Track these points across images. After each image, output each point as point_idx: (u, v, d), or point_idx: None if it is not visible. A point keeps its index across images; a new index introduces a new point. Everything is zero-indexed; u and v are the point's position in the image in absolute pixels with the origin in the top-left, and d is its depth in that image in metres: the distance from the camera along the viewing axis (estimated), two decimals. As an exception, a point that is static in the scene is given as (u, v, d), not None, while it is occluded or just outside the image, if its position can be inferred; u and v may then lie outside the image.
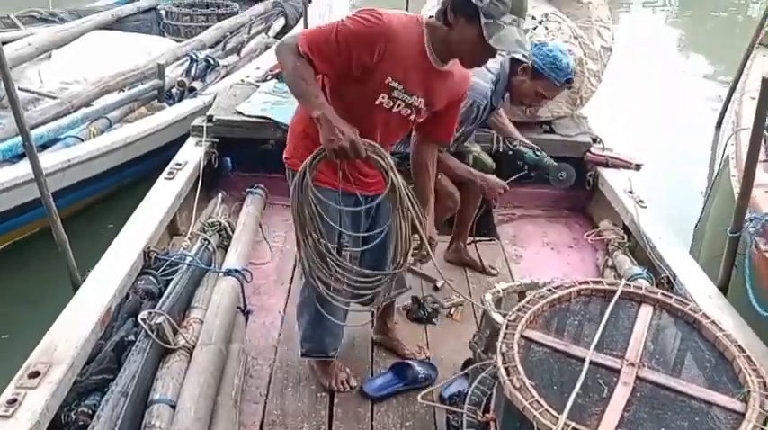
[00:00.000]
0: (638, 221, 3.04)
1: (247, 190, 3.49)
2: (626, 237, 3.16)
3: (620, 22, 12.11)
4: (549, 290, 1.55)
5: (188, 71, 4.43)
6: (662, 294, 1.52)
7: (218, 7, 6.30)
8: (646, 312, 1.49)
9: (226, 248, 2.90)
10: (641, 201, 3.21)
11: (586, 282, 1.57)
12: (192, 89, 4.32)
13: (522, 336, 1.42)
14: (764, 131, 3.27)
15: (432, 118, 2.02)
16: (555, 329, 1.48)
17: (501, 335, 1.40)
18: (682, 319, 1.49)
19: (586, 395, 1.29)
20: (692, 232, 4.21)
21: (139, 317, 2.13)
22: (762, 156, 3.13)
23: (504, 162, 3.16)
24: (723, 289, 2.71)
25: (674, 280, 2.65)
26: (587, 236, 3.37)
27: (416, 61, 1.83)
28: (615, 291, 1.55)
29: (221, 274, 2.61)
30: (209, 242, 2.81)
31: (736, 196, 2.96)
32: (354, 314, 2.67)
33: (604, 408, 1.25)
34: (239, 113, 3.63)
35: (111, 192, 4.06)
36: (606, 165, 3.59)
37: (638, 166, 3.60)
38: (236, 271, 2.63)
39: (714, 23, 12.10)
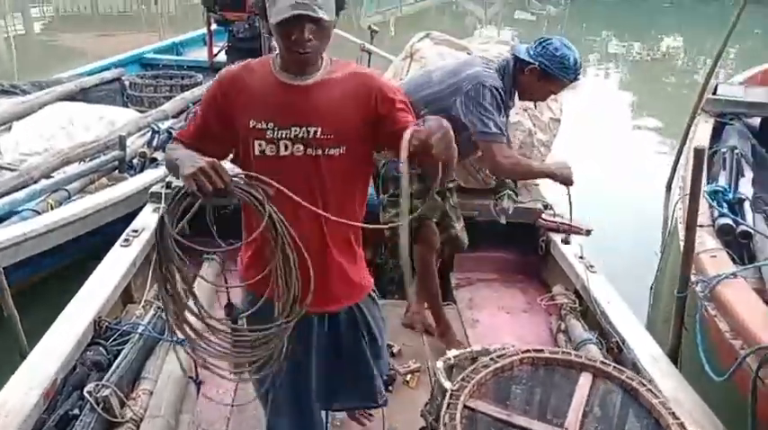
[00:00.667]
0: (588, 286, 3.13)
1: (204, 256, 3.49)
2: (577, 301, 3.25)
3: (573, 87, 12.66)
4: (493, 359, 1.59)
5: (150, 142, 4.48)
6: (601, 362, 1.58)
7: (182, 78, 6.42)
8: (585, 380, 1.54)
9: (180, 315, 2.87)
10: (591, 266, 3.31)
11: (528, 351, 1.62)
12: (153, 160, 4.35)
13: (465, 406, 1.46)
14: (707, 197, 3.48)
15: (388, 128, 1.66)
16: (498, 398, 1.52)
17: (444, 405, 1.43)
18: (620, 387, 1.54)
19: (527, 465, 1.32)
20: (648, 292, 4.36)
21: (85, 389, 2.10)
22: (707, 220, 3.31)
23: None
24: (674, 349, 2.80)
25: (623, 344, 2.72)
26: (541, 300, 3.44)
27: (272, 90, 1.65)
28: (556, 360, 1.59)
29: (173, 343, 2.58)
30: (162, 310, 2.79)
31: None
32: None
33: (543, 479, 1.28)
34: (196, 180, 3.66)
35: (70, 264, 4.02)
36: (558, 231, 3.70)
37: (588, 232, 3.72)
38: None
39: (664, 87, 12.71)
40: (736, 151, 4.27)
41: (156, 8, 8.70)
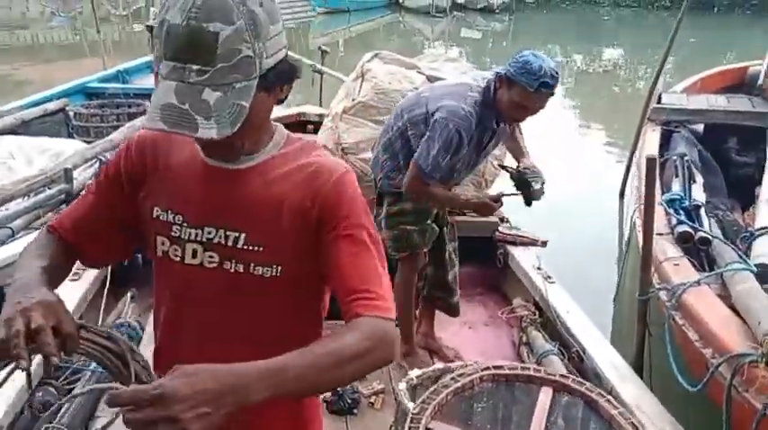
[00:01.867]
0: (547, 297, 3.16)
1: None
2: (537, 313, 3.27)
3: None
4: (453, 378, 1.58)
5: (97, 174, 4.36)
6: (560, 375, 1.58)
7: (129, 106, 6.28)
8: (546, 395, 1.54)
9: (135, 349, 2.79)
10: (549, 277, 3.35)
11: (488, 368, 1.61)
12: (100, 192, 4.23)
13: (427, 429, 1.43)
14: (664, 205, 3.56)
15: (322, 260, 1.14)
16: (461, 418, 1.50)
17: (406, 428, 1.41)
18: (581, 399, 1.54)
19: (491, 485, 1.30)
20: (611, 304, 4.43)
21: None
22: (665, 228, 3.39)
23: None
24: (639, 356, 2.83)
25: (584, 353, 2.74)
26: (501, 313, 3.46)
27: (193, 172, 1.16)
28: (517, 375, 1.59)
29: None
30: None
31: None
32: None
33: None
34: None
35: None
36: (515, 244, 3.75)
37: (543, 243, 3.78)
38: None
39: (608, 96, 13.07)
40: (686, 158, 4.39)
41: (99, 36, 8.47)
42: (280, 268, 1.14)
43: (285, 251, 1.13)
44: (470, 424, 1.48)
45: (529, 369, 1.61)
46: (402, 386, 2.07)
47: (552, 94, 2.46)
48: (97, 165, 4.46)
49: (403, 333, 3.17)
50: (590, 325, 2.95)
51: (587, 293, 4.34)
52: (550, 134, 9.25)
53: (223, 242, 1.14)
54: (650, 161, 2.44)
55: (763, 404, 1.92)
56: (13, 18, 21.08)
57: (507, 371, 1.59)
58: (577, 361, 2.77)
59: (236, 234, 1.13)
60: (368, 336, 1.00)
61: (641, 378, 2.72)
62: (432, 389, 1.54)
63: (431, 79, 3.84)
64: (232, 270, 1.14)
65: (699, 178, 4.16)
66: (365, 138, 3.65)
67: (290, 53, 1.20)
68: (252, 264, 1.14)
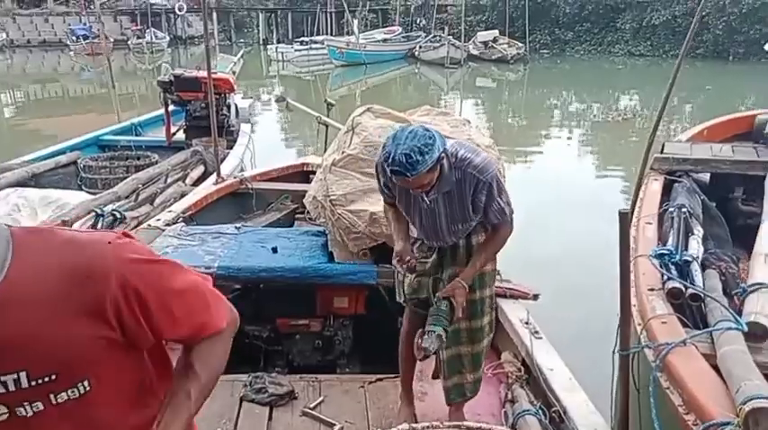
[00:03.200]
0: (532, 353, 3.08)
1: None
2: (522, 369, 3.18)
3: (540, 146, 12.97)
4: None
5: (94, 226, 4.43)
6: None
7: (138, 158, 6.45)
8: (488, 462, 1.48)
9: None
10: (536, 333, 3.26)
11: (435, 433, 1.56)
12: (97, 243, 4.28)
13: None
14: (656, 259, 3.48)
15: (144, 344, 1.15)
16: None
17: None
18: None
19: None
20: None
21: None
22: (658, 284, 3.31)
23: None
24: (624, 412, 2.72)
25: (564, 414, 2.65)
26: (488, 369, 3.37)
27: None
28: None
29: None
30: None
31: (635, 320, 3.08)
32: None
33: None
34: (139, 260, 3.60)
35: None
36: (505, 296, 3.67)
37: (535, 296, 3.70)
38: None
39: (624, 145, 13.01)
40: (684, 209, 4.31)
41: (114, 91, 8.77)
42: (88, 380, 1.04)
43: (83, 360, 1.02)
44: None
45: (473, 435, 1.55)
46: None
47: (409, 179, 2.31)
48: (94, 217, 4.51)
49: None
50: (574, 384, 2.85)
51: (591, 346, 4.25)
52: (564, 181, 9.25)
53: (2, 390, 0.97)
54: (622, 215, 2.39)
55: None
56: (45, 73, 21.94)
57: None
58: (558, 421, 2.68)
59: (13, 376, 0.97)
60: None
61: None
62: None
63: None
64: (29, 414, 1.00)
65: (698, 229, 4.08)
66: (353, 189, 3.66)
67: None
68: (53, 395, 1.01)
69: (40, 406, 1.00)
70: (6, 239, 0.96)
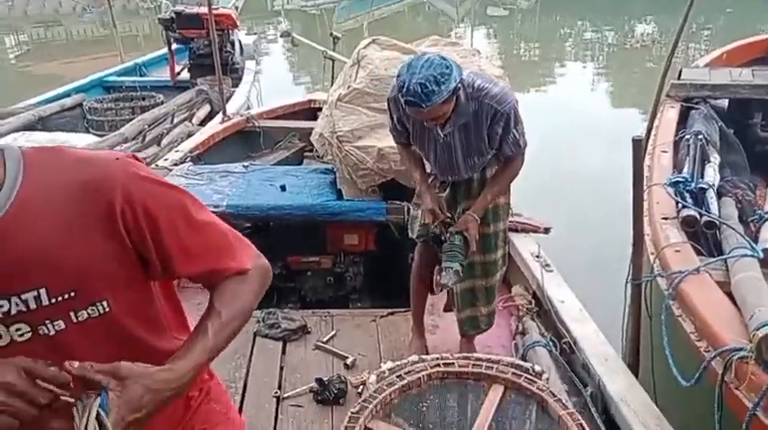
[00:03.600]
0: (543, 286, 3.08)
1: None
2: (533, 302, 3.19)
3: (554, 76, 12.69)
4: (399, 376, 1.53)
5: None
6: (512, 373, 1.51)
7: (143, 99, 6.37)
8: (495, 394, 1.48)
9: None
10: (547, 265, 3.26)
11: (437, 364, 1.56)
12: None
13: (366, 428, 1.39)
14: (671, 187, 3.42)
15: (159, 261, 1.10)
16: (405, 417, 1.45)
17: (342, 428, 1.37)
18: (530, 398, 1.48)
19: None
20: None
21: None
22: (672, 212, 3.26)
23: None
24: (635, 342, 2.73)
25: (575, 345, 2.66)
26: (499, 302, 3.38)
27: None
28: (467, 373, 1.53)
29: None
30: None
31: (648, 250, 3.04)
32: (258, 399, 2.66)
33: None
34: (147, 201, 3.59)
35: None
36: (516, 230, 3.65)
37: (546, 230, 3.68)
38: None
39: (640, 73, 12.67)
40: (701, 136, 4.20)
41: (115, 31, 8.59)
42: (107, 301, 1.04)
43: (102, 280, 1.03)
44: (413, 423, 1.43)
45: (481, 366, 1.55)
46: (372, 379, 2.03)
47: (424, 110, 2.24)
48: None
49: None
50: (585, 315, 2.86)
51: (604, 276, 4.24)
52: (578, 111, 9.06)
53: (23, 310, 0.98)
54: (636, 142, 2.33)
55: (752, 403, 1.81)
56: (47, 14, 21.54)
57: (457, 369, 1.54)
58: (568, 352, 2.69)
59: (33, 293, 0.98)
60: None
61: (637, 366, 2.64)
62: (376, 387, 1.50)
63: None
64: (52, 333, 1.01)
65: (715, 157, 3.99)
66: (360, 125, 3.59)
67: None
68: (74, 313, 1.02)
69: (62, 324, 1.02)
70: (17, 159, 0.98)
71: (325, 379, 2.75)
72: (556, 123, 7.90)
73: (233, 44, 7.44)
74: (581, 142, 7.62)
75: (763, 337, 1.83)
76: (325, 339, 3.15)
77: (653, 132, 5.16)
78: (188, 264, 1.11)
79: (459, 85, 2.29)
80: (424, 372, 1.52)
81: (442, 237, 2.63)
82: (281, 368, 2.95)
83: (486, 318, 2.87)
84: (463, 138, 2.49)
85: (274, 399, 2.70)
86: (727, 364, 2.01)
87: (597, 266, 4.83)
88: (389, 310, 3.41)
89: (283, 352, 3.07)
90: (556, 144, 7.03)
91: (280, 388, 2.79)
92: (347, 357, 3.00)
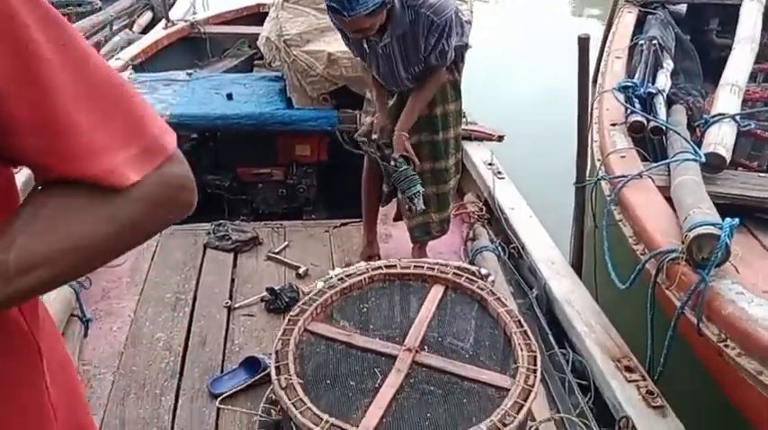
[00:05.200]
0: (494, 193, 3.08)
1: None
2: (484, 209, 3.20)
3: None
4: (341, 279, 1.51)
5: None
6: (453, 274, 1.51)
7: (79, 5, 5.95)
8: (435, 293, 1.48)
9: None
10: (499, 173, 3.26)
11: (380, 267, 1.55)
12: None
13: (306, 330, 1.38)
14: (620, 92, 3.39)
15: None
16: (346, 319, 1.45)
17: (280, 331, 1.36)
18: (471, 297, 1.49)
19: (359, 387, 1.27)
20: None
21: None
22: (621, 118, 3.24)
23: None
24: (578, 247, 2.78)
25: (523, 249, 2.70)
26: (451, 210, 3.39)
27: None
28: (409, 274, 1.52)
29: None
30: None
31: (595, 156, 3.05)
32: (208, 310, 2.65)
33: (373, 400, 1.23)
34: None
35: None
36: (470, 139, 3.62)
37: (500, 137, 3.66)
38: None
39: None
40: (655, 41, 4.15)
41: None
42: None
43: None
44: (359, 323, 1.43)
45: (422, 267, 1.54)
46: (320, 285, 2.02)
47: (346, 19, 2.17)
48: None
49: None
50: (534, 221, 2.89)
51: (553, 187, 4.28)
52: (533, 18, 8.85)
53: None
54: (582, 41, 2.28)
55: (681, 302, 1.86)
56: None
57: (399, 270, 1.53)
58: (516, 257, 2.74)
59: None
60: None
61: (581, 269, 2.70)
62: (316, 290, 1.48)
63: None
64: None
65: (668, 63, 3.96)
66: (309, 28, 3.44)
67: None
68: None
69: None
70: None
71: (276, 288, 2.74)
72: (512, 35, 7.75)
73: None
74: (538, 53, 7.51)
75: (695, 238, 1.85)
76: (276, 250, 3.13)
77: (609, 38, 5.09)
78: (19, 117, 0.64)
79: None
80: (365, 274, 1.51)
81: (389, 163, 2.58)
82: (233, 280, 2.93)
83: (438, 225, 2.86)
84: (402, 48, 2.43)
85: (225, 310, 2.69)
86: (660, 266, 2.05)
87: (552, 175, 4.87)
88: (342, 221, 3.39)
89: (234, 264, 3.04)
90: (516, 55, 6.92)
91: (231, 298, 2.78)
92: (299, 267, 2.99)
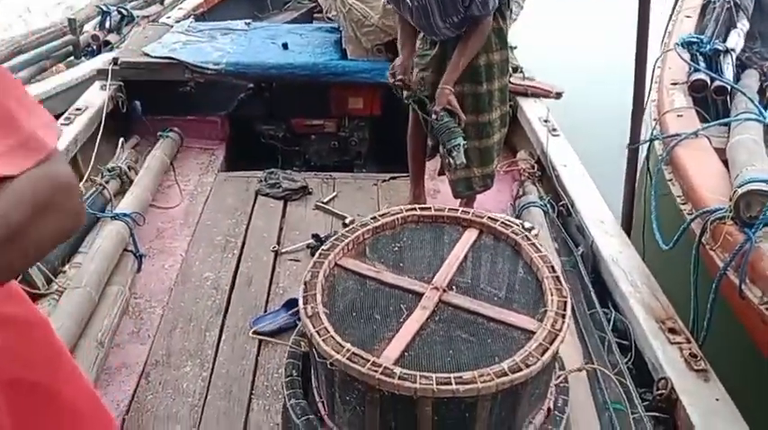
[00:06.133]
0: (547, 150, 3.01)
1: (159, 134, 3.41)
2: (536, 166, 3.13)
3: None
4: (374, 218, 1.52)
5: (101, 24, 4.28)
6: (488, 218, 1.49)
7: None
8: (468, 236, 1.47)
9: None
10: (554, 130, 3.18)
11: (414, 209, 1.54)
12: (107, 42, 4.18)
13: (336, 265, 1.40)
14: (683, 47, 3.22)
15: None
16: (377, 256, 1.46)
17: (310, 264, 1.38)
18: (505, 242, 1.46)
19: (385, 321, 1.28)
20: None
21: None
22: (682, 77, 3.09)
23: None
24: (628, 207, 2.69)
25: (572, 207, 2.63)
26: (501, 167, 3.33)
27: None
28: (443, 217, 1.52)
29: (109, 219, 2.58)
30: (104, 187, 2.78)
31: (651, 116, 2.92)
32: (256, 253, 2.71)
33: (396, 334, 1.24)
34: (146, 55, 3.51)
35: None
36: (526, 95, 3.53)
37: (558, 95, 3.55)
38: (125, 214, 2.60)
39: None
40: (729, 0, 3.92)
41: None
42: None
43: None
44: (390, 261, 1.43)
45: (457, 211, 1.53)
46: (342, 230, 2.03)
47: None
48: (100, 15, 4.35)
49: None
50: (587, 179, 2.81)
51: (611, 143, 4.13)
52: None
53: None
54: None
55: (724, 262, 1.78)
56: None
57: (434, 212, 1.52)
58: (565, 214, 2.67)
59: None
60: None
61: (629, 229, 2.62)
62: (349, 227, 1.49)
63: None
64: None
65: (744, 23, 3.73)
66: (365, -23, 3.38)
67: None
68: None
69: None
70: None
71: (322, 235, 2.78)
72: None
73: None
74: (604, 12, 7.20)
75: (743, 195, 1.76)
76: (325, 200, 3.16)
77: (679, -1, 4.81)
78: None
79: None
80: (398, 215, 1.51)
81: (430, 118, 2.53)
82: (281, 226, 2.98)
83: (481, 180, 2.80)
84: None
85: (272, 254, 2.76)
86: (705, 225, 1.96)
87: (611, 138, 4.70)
88: (392, 175, 3.38)
89: (283, 211, 3.10)
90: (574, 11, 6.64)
91: (278, 243, 2.84)
92: (346, 217, 2.98)
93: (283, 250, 2.79)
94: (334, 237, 1.46)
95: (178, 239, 2.85)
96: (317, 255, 1.40)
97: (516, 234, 1.45)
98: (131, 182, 2.95)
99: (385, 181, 3.37)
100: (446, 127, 2.46)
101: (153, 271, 2.63)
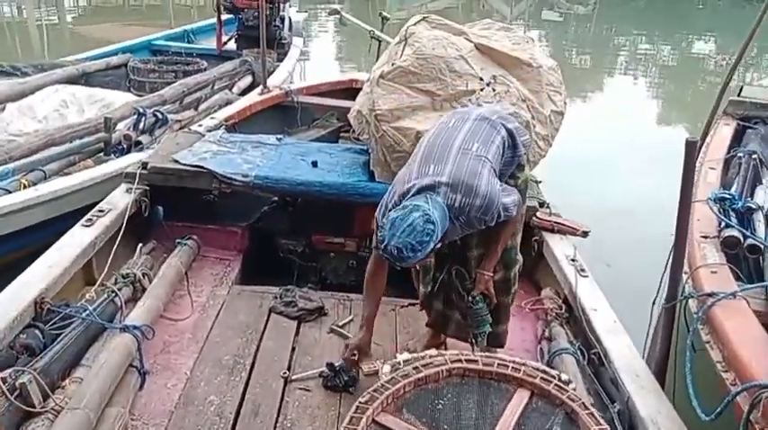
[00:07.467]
0: (576, 291, 2.91)
1: (177, 241, 3.34)
2: (563, 307, 3.01)
3: (603, 88, 12.36)
4: (416, 368, 1.39)
5: (135, 125, 4.36)
6: (541, 379, 1.36)
7: (187, 64, 6.32)
8: (520, 398, 1.33)
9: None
10: (582, 270, 3.08)
11: (459, 360, 1.42)
12: (138, 143, 4.23)
13: (374, 421, 1.26)
14: (710, 203, 3.20)
15: None
16: (418, 413, 1.32)
17: (347, 418, 1.24)
18: (559, 408, 1.33)
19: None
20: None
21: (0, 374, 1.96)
22: (713, 231, 3.04)
23: None
24: (662, 368, 2.53)
25: (605, 357, 2.49)
26: (526, 304, 3.21)
27: None
28: (491, 372, 1.39)
29: (118, 331, 2.44)
30: (115, 295, 2.66)
31: (683, 268, 2.83)
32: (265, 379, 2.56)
33: None
34: (176, 161, 3.52)
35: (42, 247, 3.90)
36: (552, 231, 3.48)
37: (585, 233, 3.49)
38: (134, 327, 2.46)
39: (694, 90, 12.24)
40: (755, 156, 3.97)
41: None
42: None
43: None
44: (425, 421, 1.29)
45: (507, 367, 1.40)
46: (386, 369, 1.88)
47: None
48: (135, 116, 4.43)
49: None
50: (618, 326, 2.68)
51: (634, 295, 4.03)
52: (625, 125, 8.75)
53: None
54: (689, 144, 2.12)
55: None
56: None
57: (481, 367, 1.40)
58: (597, 363, 2.52)
59: None
60: None
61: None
62: (389, 377, 1.36)
63: (479, 47, 3.59)
64: None
65: (768, 179, 3.75)
66: (400, 105, 3.43)
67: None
68: None
69: None
70: None
71: (336, 364, 2.62)
72: (600, 135, 7.66)
73: (282, 20, 7.37)
74: (624, 157, 7.38)
75: None
76: (341, 323, 3.03)
77: (703, 149, 4.91)
78: None
79: (439, 239, 2.14)
80: (443, 367, 1.38)
81: (467, 296, 2.51)
82: (293, 349, 2.83)
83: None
84: (458, 238, 2.46)
85: (282, 380, 2.59)
86: (755, 401, 1.82)
87: (629, 285, 4.61)
88: (410, 301, 3.27)
89: (297, 332, 2.96)
90: (598, 157, 6.81)
91: (289, 369, 2.67)
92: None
93: (294, 377, 2.62)
94: (373, 388, 1.33)
95: (184, 355, 2.69)
96: (353, 408, 1.27)
97: (572, 400, 1.31)
98: (144, 289, 2.84)
99: (403, 306, 3.25)
100: (479, 314, 2.46)
101: (155, 389, 2.46)
